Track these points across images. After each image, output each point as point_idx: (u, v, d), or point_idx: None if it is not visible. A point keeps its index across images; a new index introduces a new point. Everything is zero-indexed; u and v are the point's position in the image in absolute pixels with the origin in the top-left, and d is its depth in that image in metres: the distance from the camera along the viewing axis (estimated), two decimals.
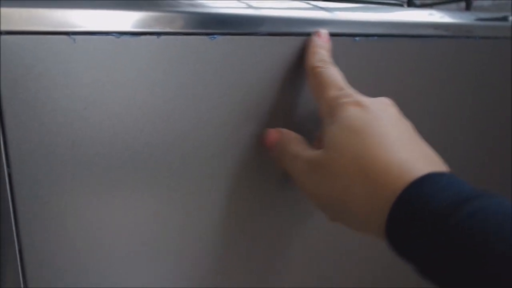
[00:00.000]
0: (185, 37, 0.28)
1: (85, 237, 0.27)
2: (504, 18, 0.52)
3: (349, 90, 0.31)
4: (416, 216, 0.25)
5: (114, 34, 0.26)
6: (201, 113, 0.30)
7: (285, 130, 0.33)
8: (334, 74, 0.32)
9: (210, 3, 0.31)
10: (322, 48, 0.33)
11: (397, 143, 0.28)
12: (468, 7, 0.51)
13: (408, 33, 0.39)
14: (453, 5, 0.66)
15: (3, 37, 0.23)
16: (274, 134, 0.33)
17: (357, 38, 0.36)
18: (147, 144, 0.28)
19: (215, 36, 0.29)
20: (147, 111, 0.27)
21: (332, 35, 0.35)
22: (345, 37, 0.36)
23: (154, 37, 0.27)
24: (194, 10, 0.29)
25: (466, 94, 0.48)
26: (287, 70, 0.33)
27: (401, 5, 0.44)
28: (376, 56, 0.38)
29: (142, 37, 0.27)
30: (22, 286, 0.25)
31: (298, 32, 0.33)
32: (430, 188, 0.25)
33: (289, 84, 0.34)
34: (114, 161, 0.27)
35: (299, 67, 0.34)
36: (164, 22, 0.27)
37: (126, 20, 0.26)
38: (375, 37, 0.37)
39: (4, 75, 0.23)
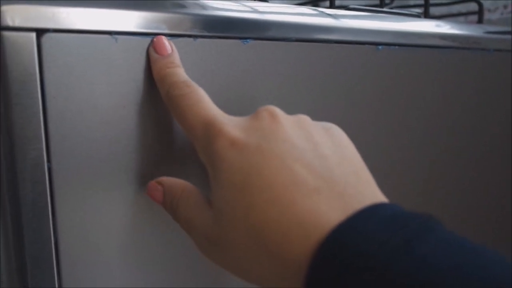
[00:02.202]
0: (219, 40, 0.29)
1: (122, 235, 0.27)
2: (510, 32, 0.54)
3: (221, 123, 0.24)
4: None
5: (153, 35, 0.26)
6: (232, 114, 0.30)
7: (170, 184, 0.26)
8: (197, 102, 0.25)
9: (241, 8, 0.32)
10: (169, 66, 0.26)
11: (295, 185, 0.21)
12: (480, 20, 0.52)
13: (428, 44, 0.40)
14: (461, 18, 0.67)
15: (50, 34, 0.23)
16: (155, 191, 0.26)
17: (380, 47, 0.37)
18: (184, 143, 0.28)
19: (248, 40, 0.30)
20: None
21: (355, 43, 0.36)
22: (368, 46, 0.36)
23: (191, 39, 0.28)
24: (229, 14, 0.30)
25: (473, 103, 0.49)
26: (313, 75, 0.34)
27: (418, 16, 0.45)
28: (395, 65, 0.39)
29: (180, 39, 0.27)
30: (56, 285, 0.26)
31: (326, 39, 0.34)
32: (346, 247, 0.19)
33: (316, 89, 0.34)
34: (153, 159, 0.27)
35: (327, 73, 0.34)
36: (200, 25, 0.28)
37: (164, 22, 0.27)
38: (396, 47, 0.38)
39: (50, 70, 0.24)
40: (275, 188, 0.21)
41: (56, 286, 0.25)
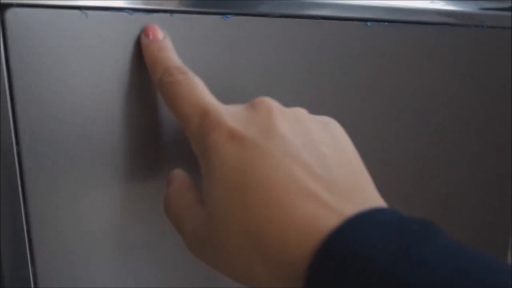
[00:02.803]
0: (198, 16, 0.28)
1: (97, 223, 0.26)
2: (509, 9, 0.52)
3: (218, 112, 0.22)
4: None
5: (127, 10, 0.25)
6: (212, 92, 0.29)
7: (176, 175, 0.25)
8: (191, 89, 0.23)
9: None
10: (161, 50, 0.25)
11: (292, 187, 0.20)
12: None
13: (420, 20, 0.39)
14: None
15: (16, 9, 0.22)
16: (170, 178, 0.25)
17: (369, 23, 0.35)
18: (156, 122, 0.27)
19: (228, 16, 0.29)
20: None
21: (343, 19, 0.34)
22: (357, 22, 0.35)
23: (168, 14, 0.26)
24: None
25: (468, 81, 0.48)
26: (300, 52, 0.32)
27: None
28: (386, 42, 0.38)
29: (156, 14, 0.26)
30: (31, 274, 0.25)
31: (313, 15, 0.32)
32: (344, 252, 0.18)
33: (303, 67, 0.33)
34: (127, 139, 0.26)
35: (315, 51, 0.33)
36: (177, 0, 0.27)
37: None
38: (386, 23, 0.37)
39: (16, 48, 0.22)
40: (272, 189, 0.20)
41: (29, 264, 0.25)
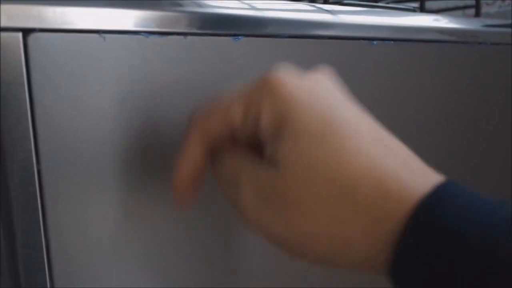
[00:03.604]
0: (210, 37, 0.29)
1: (113, 236, 0.27)
2: (510, 25, 0.53)
3: (279, 72, 0.22)
4: (440, 259, 0.17)
5: (143, 33, 0.26)
6: None
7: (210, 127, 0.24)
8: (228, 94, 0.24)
9: (233, 4, 0.31)
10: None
11: (380, 142, 0.20)
12: (478, 14, 0.52)
13: (424, 38, 0.40)
14: (459, 12, 0.67)
15: (36, 34, 0.23)
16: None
17: (375, 42, 0.36)
18: (175, 142, 0.28)
19: (239, 37, 0.30)
20: (173, 108, 0.28)
21: (350, 38, 0.35)
22: (363, 41, 0.36)
23: (181, 37, 0.27)
24: (220, 12, 0.29)
25: (471, 97, 0.48)
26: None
27: (413, 11, 0.45)
28: (391, 60, 0.39)
29: (170, 37, 0.27)
30: (48, 286, 0.25)
31: (320, 35, 0.33)
32: (449, 212, 0.18)
33: None
34: (144, 159, 0.27)
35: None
36: (191, 22, 0.28)
37: (153, 20, 0.26)
38: (391, 42, 0.38)
39: (37, 70, 0.23)
40: (361, 137, 0.19)
41: (48, 287, 0.25)
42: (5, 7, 0.22)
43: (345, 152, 0.19)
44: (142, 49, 0.26)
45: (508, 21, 0.54)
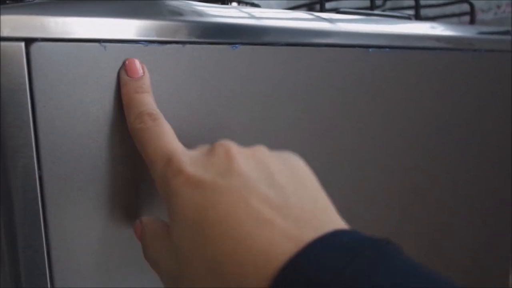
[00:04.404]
0: (208, 46, 0.29)
1: (113, 241, 0.27)
2: (506, 32, 0.54)
3: (179, 160, 0.24)
4: None
5: (142, 42, 0.27)
6: (223, 118, 0.31)
7: (146, 221, 0.26)
8: (159, 137, 0.25)
9: (230, 13, 0.32)
10: (137, 91, 0.26)
11: (248, 217, 0.21)
12: (472, 21, 0.52)
13: (420, 46, 0.41)
14: (455, 19, 0.67)
15: (38, 44, 0.24)
16: (137, 227, 0.27)
17: (371, 50, 0.37)
18: None
19: (236, 45, 0.30)
20: (172, 115, 0.28)
21: (346, 46, 0.36)
22: (359, 48, 0.37)
23: (180, 45, 0.28)
24: (218, 20, 0.30)
25: (467, 104, 0.49)
26: (305, 78, 0.34)
27: (409, 18, 0.46)
28: (387, 67, 0.39)
29: (169, 45, 0.28)
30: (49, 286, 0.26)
31: (317, 43, 0.34)
32: (300, 279, 0.19)
33: (308, 93, 0.34)
34: (144, 165, 0.28)
35: (319, 77, 0.34)
36: (188, 32, 0.28)
37: (153, 29, 0.27)
38: (387, 49, 0.38)
39: (39, 79, 0.24)
40: (229, 222, 0.21)
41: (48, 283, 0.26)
42: (8, 17, 0.23)
43: (215, 238, 0.21)
44: (142, 57, 0.27)
45: (503, 28, 0.54)
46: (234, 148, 0.24)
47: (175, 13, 0.29)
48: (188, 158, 0.24)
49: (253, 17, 0.33)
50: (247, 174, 0.23)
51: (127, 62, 0.26)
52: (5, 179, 0.24)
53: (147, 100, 0.26)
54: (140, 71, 0.26)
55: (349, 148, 0.38)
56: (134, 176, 0.28)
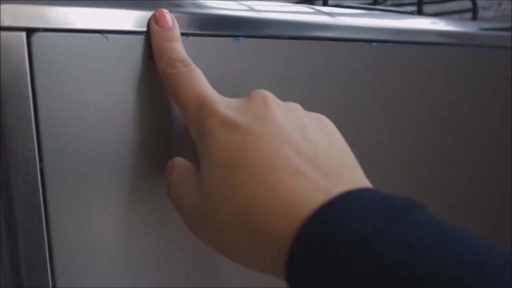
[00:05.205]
0: (211, 38, 0.29)
1: (116, 235, 0.27)
2: (508, 29, 0.54)
3: (214, 102, 0.24)
4: (318, 270, 0.19)
5: (145, 33, 0.26)
6: None
7: (176, 161, 0.26)
8: (191, 80, 0.25)
9: (233, 6, 0.32)
10: (169, 40, 0.26)
11: (280, 164, 0.21)
12: (474, 17, 0.52)
13: (423, 41, 0.40)
14: (455, 16, 0.67)
15: (40, 34, 0.23)
16: (168, 166, 0.27)
17: (374, 44, 0.37)
18: (178, 144, 0.28)
19: (240, 38, 0.30)
20: (176, 108, 0.28)
21: (349, 40, 0.36)
22: (362, 43, 0.36)
23: (183, 37, 0.28)
24: (221, 13, 0.30)
25: (468, 99, 0.49)
26: (307, 72, 0.34)
27: (412, 14, 0.45)
28: (390, 62, 0.39)
29: None
30: (50, 285, 0.25)
31: (320, 37, 0.34)
32: (328, 225, 0.19)
33: (310, 87, 0.34)
34: (147, 159, 0.27)
35: (322, 71, 0.34)
36: (192, 23, 0.28)
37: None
38: (390, 44, 0.38)
39: (40, 69, 0.23)
40: (261, 167, 0.22)
41: (51, 286, 0.25)
42: (9, 7, 0.23)
43: (246, 183, 0.22)
44: (145, 48, 0.26)
45: (504, 25, 0.54)
46: (271, 97, 0.25)
47: (177, 5, 0.28)
48: (223, 102, 0.24)
49: (256, 10, 0.32)
50: (282, 123, 0.23)
51: (157, 13, 0.26)
52: (6, 171, 0.24)
53: (179, 48, 0.26)
54: (170, 21, 0.26)
55: (351, 143, 0.38)
56: (137, 170, 0.27)
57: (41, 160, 0.24)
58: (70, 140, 0.25)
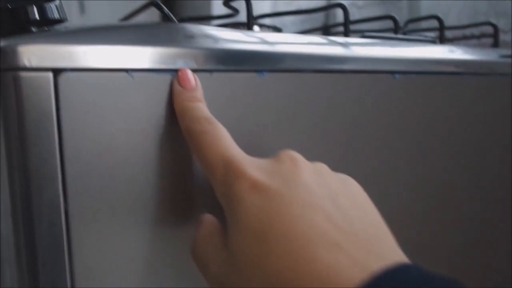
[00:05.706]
0: (235, 73, 0.29)
1: (140, 276, 0.27)
2: None
3: (241, 163, 0.23)
4: None
5: (169, 71, 0.26)
6: (253, 146, 0.30)
7: (205, 218, 0.25)
8: (216, 139, 0.24)
9: (255, 40, 0.31)
10: (191, 100, 0.25)
11: (315, 237, 0.20)
12: (496, 44, 0.51)
13: (445, 71, 0.40)
14: (474, 40, 0.67)
15: (67, 74, 0.23)
16: (198, 223, 0.26)
17: (397, 76, 0.36)
18: (202, 181, 0.28)
19: (263, 72, 0.30)
20: None
21: (372, 72, 0.35)
22: (385, 74, 0.36)
23: (208, 74, 0.27)
24: (242, 48, 0.29)
25: (497, 131, 0.48)
26: (331, 105, 0.33)
27: (433, 42, 0.45)
28: (413, 92, 0.38)
29: (197, 73, 0.27)
30: None
31: (343, 69, 0.33)
32: None
33: (335, 120, 0.34)
34: (171, 198, 0.27)
35: (346, 103, 0.34)
36: (216, 59, 0.28)
37: (180, 57, 0.27)
38: (414, 75, 0.37)
39: (67, 109, 0.23)
40: (294, 239, 0.20)
41: None
42: (37, 47, 0.23)
43: (278, 254, 0.20)
44: (170, 86, 0.26)
45: None
46: (300, 158, 0.24)
47: (201, 41, 0.28)
48: (252, 163, 0.23)
49: (279, 43, 0.32)
50: (313, 188, 0.22)
51: (179, 73, 0.26)
52: (30, 212, 0.23)
53: (202, 107, 0.26)
54: (193, 81, 0.26)
55: (376, 176, 0.37)
56: (162, 209, 0.27)
57: (66, 201, 0.24)
58: (95, 180, 0.24)
